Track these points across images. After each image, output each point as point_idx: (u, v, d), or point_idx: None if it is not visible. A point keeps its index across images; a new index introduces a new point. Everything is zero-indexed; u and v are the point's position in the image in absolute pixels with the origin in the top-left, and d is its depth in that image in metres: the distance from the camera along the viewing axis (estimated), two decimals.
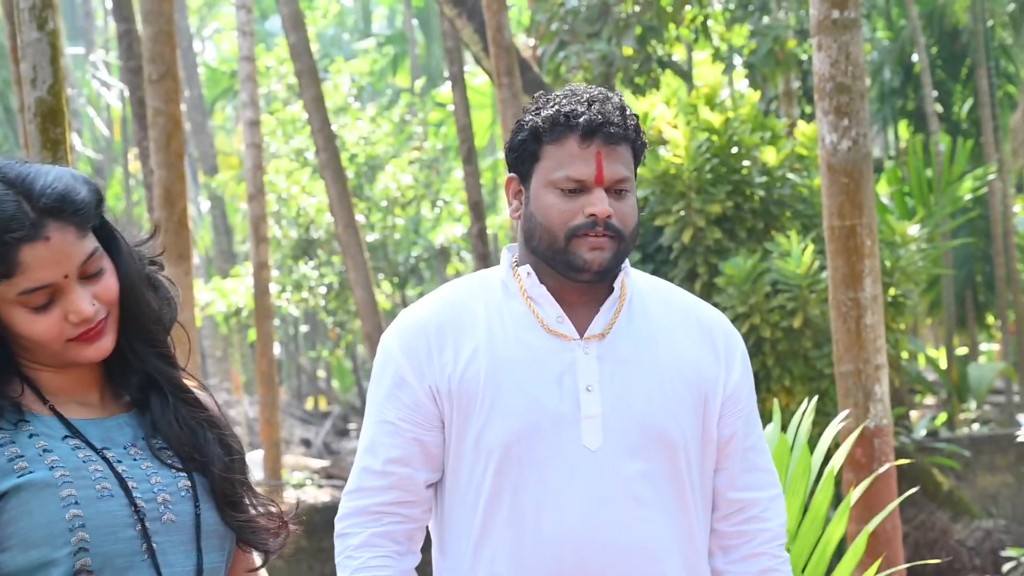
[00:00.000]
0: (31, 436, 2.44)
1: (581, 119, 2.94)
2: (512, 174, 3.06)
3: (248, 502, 2.60)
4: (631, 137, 2.99)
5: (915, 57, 19.34)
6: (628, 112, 3.00)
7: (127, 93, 15.30)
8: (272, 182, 22.01)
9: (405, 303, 24.08)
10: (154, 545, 2.45)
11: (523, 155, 3.01)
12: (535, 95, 3.08)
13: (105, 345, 2.49)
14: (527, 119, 3.02)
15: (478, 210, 16.39)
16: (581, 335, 2.98)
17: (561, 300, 3.00)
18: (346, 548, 3.01)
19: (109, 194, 32.13)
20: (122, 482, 2.44)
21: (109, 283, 2.49)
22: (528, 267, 3.02)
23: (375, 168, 22.84)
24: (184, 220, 7.68)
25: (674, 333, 3.04)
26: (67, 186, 2.43)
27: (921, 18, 19.29)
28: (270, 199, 21.70)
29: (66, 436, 2.46)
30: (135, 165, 29.80)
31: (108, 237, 2.51)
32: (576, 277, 2.97)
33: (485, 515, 2.95)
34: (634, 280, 3.07)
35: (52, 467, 2.41)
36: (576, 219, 2.93)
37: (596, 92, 3.01)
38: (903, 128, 21.70)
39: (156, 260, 2.61)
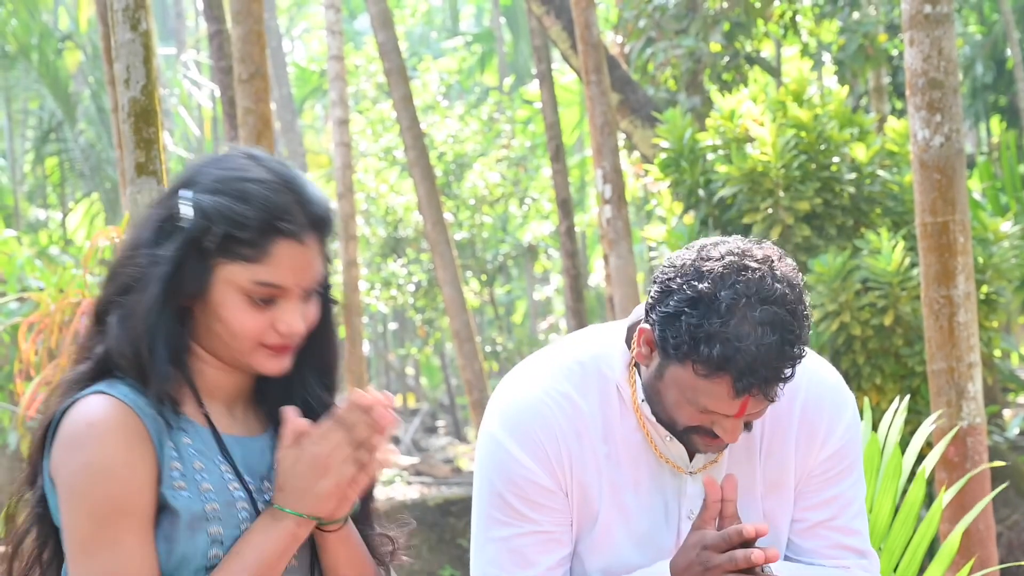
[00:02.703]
0: (191, 451, 2.45)
1: (740, 380, 2.61)
2: (649, 329, 2.72)
3: (368, 524, 2.65)
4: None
5: (1008, 52, 19.10)
6: (799, 353, 2.64)
7: (218, 93, 15.44)
8: (361, 181, 22.12)
9: (493, 301, 24.11)
10: None
11: (667, 347, 2.67)
12: (698, 271, 2.64)
13: (286, 364, 2.51)
14: (683, 328, 2.62)
15: (566, 208, 16.37)
16: (689, 452, 2.85)
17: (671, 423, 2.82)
18: None
19: None
20: None
21: (315, 310, 2.52)
22: (644, 394, 2.81)
23: (463, 166, 22.88)
24: None
25: (776, 437, 2.89)
26: (328, 201, 2.47)
27: (1014, 12, 19.04)
28: (359, 198, 21.81)
29: (218, 457, 2.48)
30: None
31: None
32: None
33: None
34: None
35: (206, 498, 2.42)
36: (702, 424, 2.72)
37: (769, 332, 2.59)
38: (995, 124, 21.45)
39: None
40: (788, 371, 2.64)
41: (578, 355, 2.88)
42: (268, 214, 2.39)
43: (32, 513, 2.49)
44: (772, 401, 2.68)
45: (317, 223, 2.45)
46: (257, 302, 2.43)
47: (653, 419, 2.81)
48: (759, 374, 2.60)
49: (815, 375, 2.92)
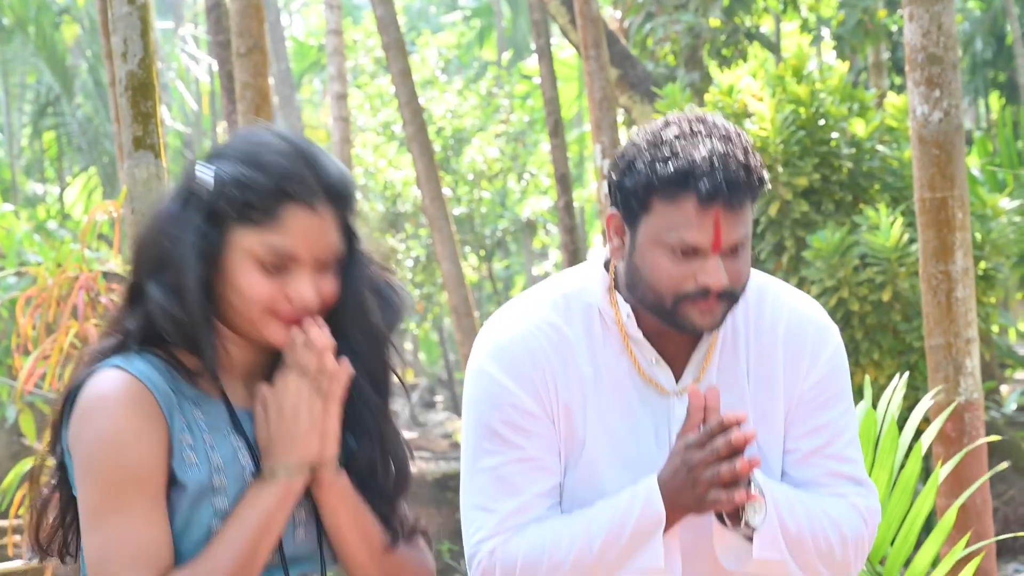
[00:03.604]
0: (203, 425, 2.47)
1: (701, 183, 2.70)
2: (615, 211, 2.85)
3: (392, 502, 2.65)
4: (755, 192, 2.78)
5: (1007, 28, 19.07)
6: (753, 163, 2.76)
7: (215, 67, 15.43)
8: (359, 155, 22.10)
9: (492, 276, 24.12)
10: (287, 559, 2.51)
11: (631, 201, 2.79)
12: (646, 128, 2.83)
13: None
14: (639, 165, 2.77)
15: (565, 183, 16.34)
16: (676, 376, 2.89)
17: (658, 341, 2.88)
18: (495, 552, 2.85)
19: None
20: None
21: (334, 287, 2.52)
22: (629, 308, 2.86)
23: (462, 141, 22.85)
24: None
25: (762, 365, 2.92)
26: (348, 175, 2.50)
27: None
28: (357, 172, 21.79)
29: (230, 430, 2.50)
30: (223, 138, 30.00)
31: (348, 241, 2.54)
32: (681, 331, 2.84)
33: None
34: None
35: (215, 470, 2.45)
36: (687, 285, 2.75)
37: (717, 142, 2.75)
38: (994, 100, 21.43)
39: (386, 265, 2.62)
40: (745, 177, 2.74)
41: (563, 289, 2.95)
42: (278, 178, 2.42)
43: (52, 482, 2.54)
44: (740, 212, 2.75)
45: (331, 191, 2.47)
46: (269, 269, 2.45)
47: (639, 335, 2.87)
48: (716, 177, 2.70)
49: (797, 307, 2.98)
